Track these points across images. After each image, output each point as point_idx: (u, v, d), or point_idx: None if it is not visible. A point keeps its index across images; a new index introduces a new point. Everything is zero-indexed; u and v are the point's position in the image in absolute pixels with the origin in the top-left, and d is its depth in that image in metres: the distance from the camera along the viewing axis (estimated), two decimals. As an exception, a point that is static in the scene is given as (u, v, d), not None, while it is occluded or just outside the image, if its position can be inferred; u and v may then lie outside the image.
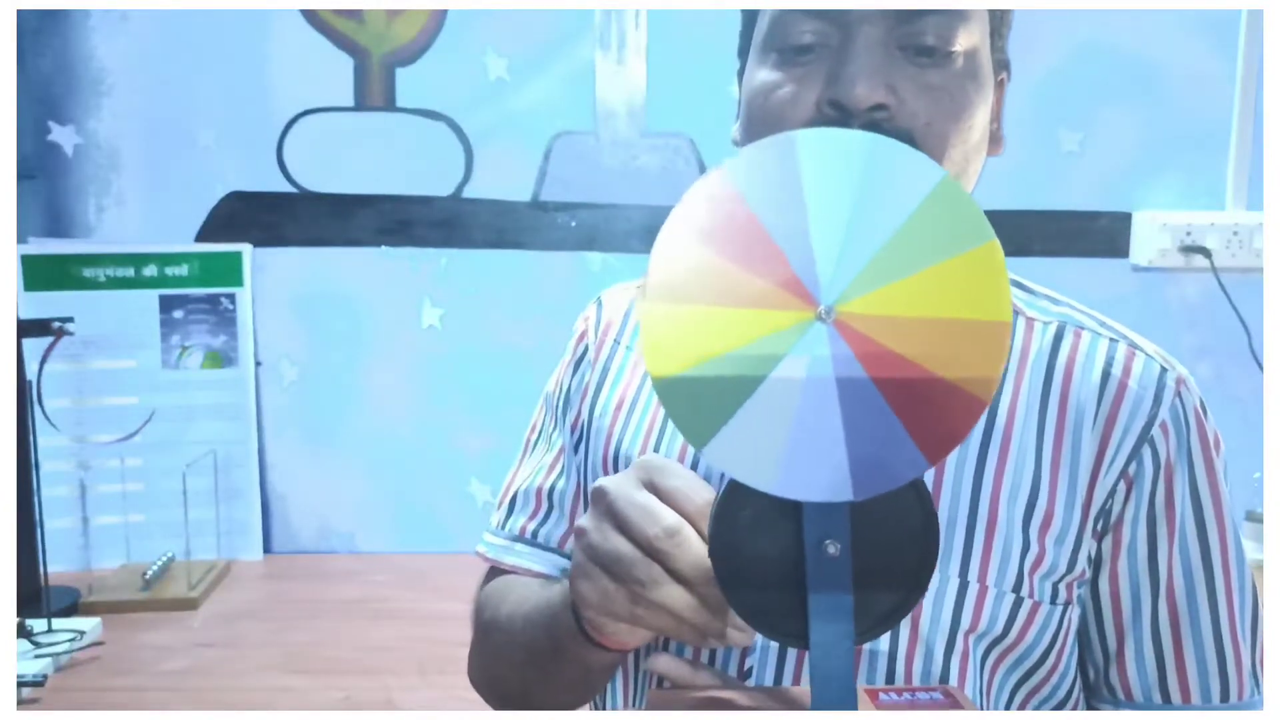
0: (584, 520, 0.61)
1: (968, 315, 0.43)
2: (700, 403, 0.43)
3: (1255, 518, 1.54)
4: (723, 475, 0.48)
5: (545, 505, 0.83)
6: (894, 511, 0.50)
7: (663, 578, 0.56)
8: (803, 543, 0.48)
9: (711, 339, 0.43)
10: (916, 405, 0.43)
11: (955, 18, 0.64)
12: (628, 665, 0.76)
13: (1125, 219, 1.66)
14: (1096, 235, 1.66)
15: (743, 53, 0.73)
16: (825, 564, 0.48)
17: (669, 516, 0.57)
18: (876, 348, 0.43)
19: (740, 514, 0.50)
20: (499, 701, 0.83)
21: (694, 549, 0.56)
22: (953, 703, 0.54)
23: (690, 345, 0.43)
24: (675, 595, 0.56)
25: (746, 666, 0.70)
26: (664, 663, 0.64)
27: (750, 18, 0.72)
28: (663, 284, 0.44)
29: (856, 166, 0.44)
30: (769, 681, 0.70)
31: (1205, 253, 1.63)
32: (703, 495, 0.58)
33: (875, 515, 0.49)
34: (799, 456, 0.43)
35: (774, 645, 0.69)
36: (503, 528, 0.85)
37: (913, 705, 0.54)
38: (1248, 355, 1.62)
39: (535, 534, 0.82)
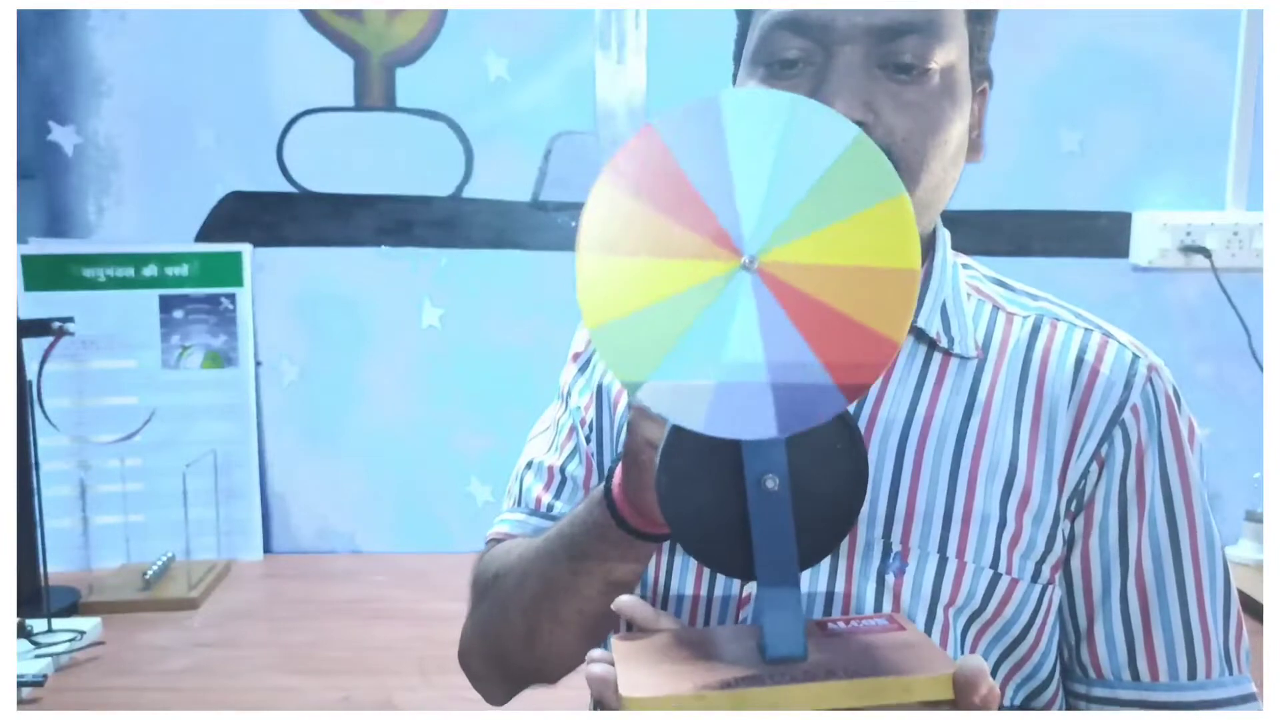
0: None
1: (879, 263, 0.46)
2: (633, 349, 0.46)
3: (1255, 518, 1.54)
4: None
5: (559, 479, 0.85)
6: (826, 445, 0.53)
7: None
8: (743, 479, 0.51)
9: (643, 288, 0.46)
10: (834, 347, 0.45)
11: (933, 37, 0.67)
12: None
13: (1125, 219, 1.66)
14: (1096, 235, 1.66)
15: (737, 59, 0.75)
16: (766, 498, 0.51)
17: None
18: (797, 294, 0.46)
19: (683, 454, 0.53)
20: (495, 663, 0.82)
21: None
22: (897, 627, 0.57)
23: (623, 294, 0.46)
24: None
25: (745, 593, 0.72)
26: (628, 602, 0.64)
27: (744, 25, 0.74)
28: (596, 235, 0.46)
29: (777, 125, 0.47)
30: None
31: (1205, 253, 1.62)
32: None
33: (809, 450, 0.52)
34: (726, 397, 0.46)
35: None
36: (518, 504, 0.86)
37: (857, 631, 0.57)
38: (1248, 355, 1.62)
39: (550, 507, 0.84)
